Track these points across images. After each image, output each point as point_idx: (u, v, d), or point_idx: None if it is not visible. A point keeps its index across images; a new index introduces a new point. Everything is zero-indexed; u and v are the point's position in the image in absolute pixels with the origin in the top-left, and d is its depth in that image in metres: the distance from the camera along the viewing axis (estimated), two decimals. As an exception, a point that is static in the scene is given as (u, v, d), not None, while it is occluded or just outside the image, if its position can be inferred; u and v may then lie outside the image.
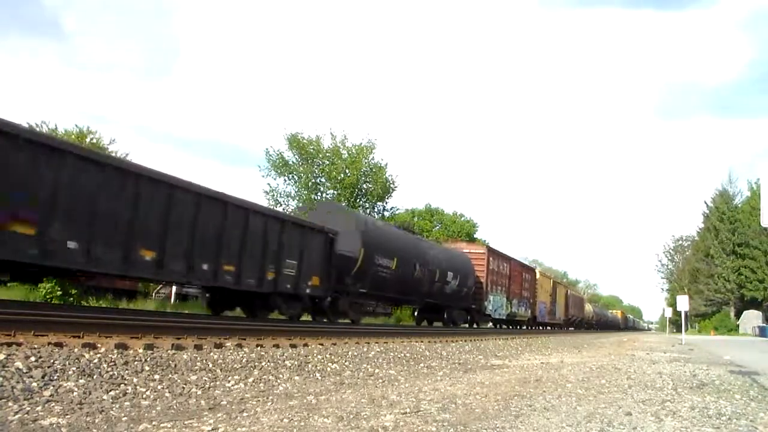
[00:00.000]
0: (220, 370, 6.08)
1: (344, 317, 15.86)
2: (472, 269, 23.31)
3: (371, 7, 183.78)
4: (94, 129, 27.16)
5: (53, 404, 4.06)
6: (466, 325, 24.50)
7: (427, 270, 19.27)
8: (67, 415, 3.84)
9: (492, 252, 26.84)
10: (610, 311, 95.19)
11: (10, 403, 3.94)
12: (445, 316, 22.37)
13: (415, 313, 23.25)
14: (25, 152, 7.35)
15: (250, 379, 5.90)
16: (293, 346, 8.60)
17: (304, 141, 35.35)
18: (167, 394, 4.81)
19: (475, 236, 50.63)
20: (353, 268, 15.18)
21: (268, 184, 33.57)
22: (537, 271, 36.25)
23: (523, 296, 31.29)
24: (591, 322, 61.65)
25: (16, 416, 3.70)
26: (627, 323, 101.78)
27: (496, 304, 26.30)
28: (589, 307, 62.95)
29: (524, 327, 32.90)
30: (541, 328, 37.63)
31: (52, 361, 4.91)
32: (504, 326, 29.68)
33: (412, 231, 20.75)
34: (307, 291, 13.25)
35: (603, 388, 6.42)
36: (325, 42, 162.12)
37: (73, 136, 23.19)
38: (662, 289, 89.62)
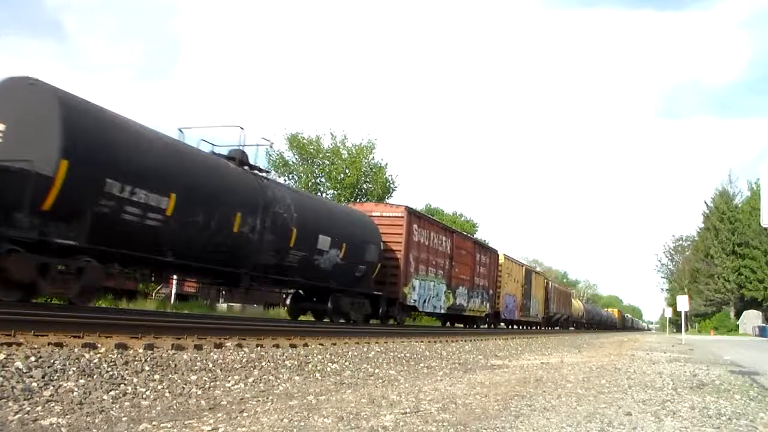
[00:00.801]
0: (220, 370, 6.08)
1: (25, 291, 8.15)
2: (378, 238, 15.80)
3: (371, 7, 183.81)
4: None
5: (53, 404, 4.06)
6: (377, 322, 17.01)
7: (273, 228, 11.93)
8: (67, 415, 3.85)
9: (416, 217, 18.08)
10: (606, 309, 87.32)
11: (10, 403, 3.94)
12: (330, 305, 14.40)
13: (287, 301, 14.84)
14: None
15: (250, 379, 5.90)
16: (293, 346, 8.60)
17: (304, 141, 35.42)
18: (167, 394, 4.81)
19: (475, 235, 50.72)
20: (38, 196, 7.80)
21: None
22: (501, 254, 27.58)
23: (477, 285, 23.33)
24: (581, 321, 55.30)
25: (16, 416, 3.70)
26: (624, 323, 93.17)
27: (426, 292, 18.23)
28: (577, 304, 55.32)
29: (483, 326, 25.61)
30: (512, 327, 31.04)
31: (52, 361, 4.90)
32: (456, 324, 24.22)
33: (245, 163, 12.15)
34: None
35: (603, 388, 6.42)
36: (325, 42, 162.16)
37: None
38: (662, 289, 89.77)
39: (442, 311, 20.35)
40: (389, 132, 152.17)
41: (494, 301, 25.98)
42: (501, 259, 27.44)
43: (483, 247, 25.58)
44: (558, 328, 44.69)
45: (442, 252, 19.91)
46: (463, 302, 21.94)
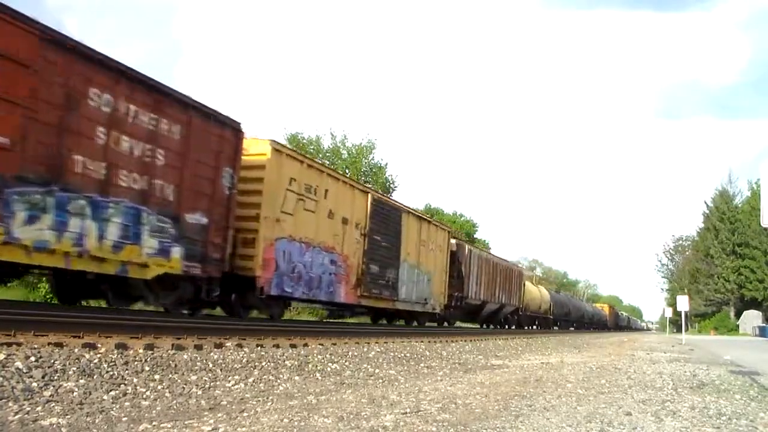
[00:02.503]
0: (220, 370, 6.09)
1: None
2: None
3: (371, 7, 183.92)
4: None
5: (53, 404, 4.06)
6: None
7: None
8: (67, 415, 3.84)
9: None
10: (592, 304, 70.05)
11: (10, 403, 3.94)
12: None
13: None
14: None
15: (250, 379, 5.90)
16: (293, 346, 8.61)
17: (304, 141, 35.47)
18: (167, 394, 4.81)
19: (475, 237, 50.57)
20: None
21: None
22: (267, 142, 11.17)
23: (113, 187, 8.07)
24: (544, 317, 37.53)
25: (16, 416, 3.70)
26: (618, 322, 75.15)
27: None
28: (537, 291, 37.00)
29: (187, 307, 10.71)
30: (357, 320, 18.13)
31: (52, 361, 4.91)
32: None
33: None
34: None
35: (603, 388, 6.42)
36: (325, 42, 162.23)
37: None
38: (662, 289, 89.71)
39: None
40: (389, 132, 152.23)
41: (219, 247, 10.04)
42: (265, 153, 11.02)
43: (157, 92, 8.81)
44: (503, 326, 28.92)
45: None
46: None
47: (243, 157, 10.56)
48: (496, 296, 26.09)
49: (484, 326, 26.93)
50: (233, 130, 10.37)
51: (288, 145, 20.99)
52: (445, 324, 22.63)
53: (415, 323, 19.04)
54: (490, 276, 25.18)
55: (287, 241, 11.59)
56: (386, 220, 15.77)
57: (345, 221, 13.66)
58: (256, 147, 11.07)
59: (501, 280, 26.72)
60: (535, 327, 35.71)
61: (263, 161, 10.99)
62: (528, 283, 34.82)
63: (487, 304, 24.87)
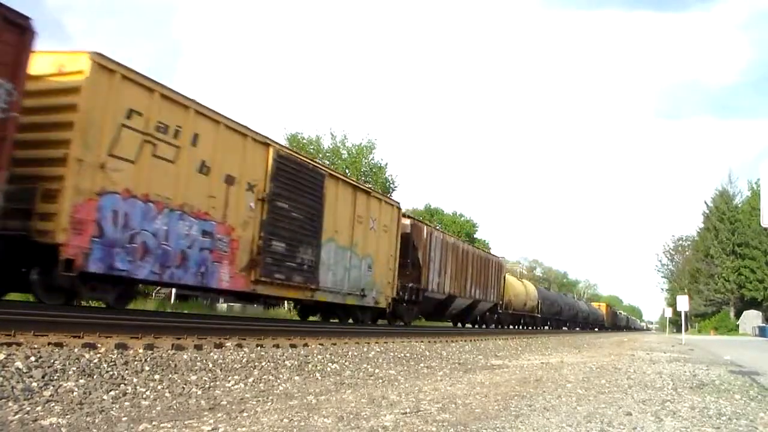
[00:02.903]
0: (220, 370, 6.09)
1: None
2: None
3: (371, 7, 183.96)
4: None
5: (53, 404, 4.06)
6: None
7: None
8: (67, 415, 3.84)
9: None
10: (587, 302, 66.68)
11: (10, 403, 3.94)
12: None
13: None
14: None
15: (250, 379, 5.90)
16: (293, 346, 8.61)
17: (304, 141, 35.50)
18: (167, 394, 4.81)
19: (475, 236, 50.58)
20: None
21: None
22: (112, 69, 8.10)
23: None
24: (530, 315, 34.06)
25: (16, 416, 3.70)
26: (617, 321, 73.17)
27: None
28: (522, 287, 33.17)
29: None
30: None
31: (52, 361, 4.90)
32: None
33: None
34: None
35: (603, 388, 6.42)
36: (325, 42, 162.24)
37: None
38: (662, 289, 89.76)
39: None
40: (389, 132, 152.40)
41: None
42: (81, 71, 7.88)
43: None
44: (480, 326, 25.98)
45: None
46: None
47: (56, 78, 7.86)
48: (468, 290, 22.22)
49: (459, 325, 24.20)
50: (10, 23, 6.62)
51: (288, 145, 19.26)
52: (399, 322, 18.17)
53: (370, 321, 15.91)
54: (460, 266, 21.27)
55: (122, 198, 8.36)
56: (299, 184, 12.05)
57: (230, 180, 10.34)
58: (72, 63, 7.96)
59: (474, 271, 22.89)
60: (519, 327, 32.29)
61: (78, 82, 7.82)
62: (510, 277, 31.28)
63: (455, 299, 20.97)
